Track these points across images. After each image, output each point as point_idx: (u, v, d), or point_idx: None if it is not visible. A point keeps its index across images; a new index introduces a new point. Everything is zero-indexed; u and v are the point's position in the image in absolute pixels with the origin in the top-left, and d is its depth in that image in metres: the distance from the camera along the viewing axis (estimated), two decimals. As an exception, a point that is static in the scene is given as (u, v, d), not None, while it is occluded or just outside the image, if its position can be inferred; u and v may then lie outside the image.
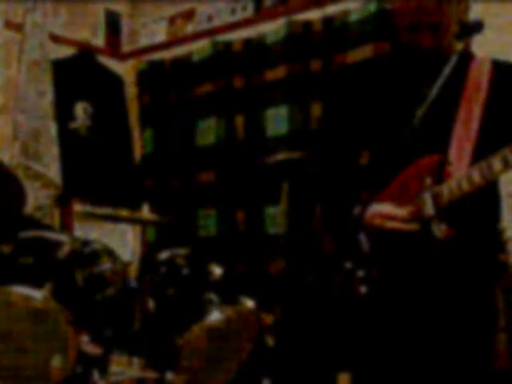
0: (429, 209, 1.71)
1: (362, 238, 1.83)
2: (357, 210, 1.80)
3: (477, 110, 1.76)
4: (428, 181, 1.73)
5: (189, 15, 4.14)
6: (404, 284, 1.78)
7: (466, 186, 1.64)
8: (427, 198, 1.72)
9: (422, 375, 1.78)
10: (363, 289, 1.79)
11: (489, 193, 1.72)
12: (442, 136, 1.78)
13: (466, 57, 1.81)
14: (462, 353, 1.76)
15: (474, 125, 1.75)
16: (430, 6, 1.74)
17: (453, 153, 1.75)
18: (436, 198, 1.70)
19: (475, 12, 1.87)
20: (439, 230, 1.70)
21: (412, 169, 1.77)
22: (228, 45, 3.85)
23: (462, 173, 1.68)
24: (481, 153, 1.70)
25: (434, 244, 1.70)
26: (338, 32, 3.43)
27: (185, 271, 2.48)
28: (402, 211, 1.75)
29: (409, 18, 1.77)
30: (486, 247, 1.82)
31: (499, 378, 1.96)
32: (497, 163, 1.58)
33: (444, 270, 1.75)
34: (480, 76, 1.79)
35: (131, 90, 4.32)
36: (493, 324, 1.85)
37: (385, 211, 1.77)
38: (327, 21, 3.47)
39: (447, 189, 1.69)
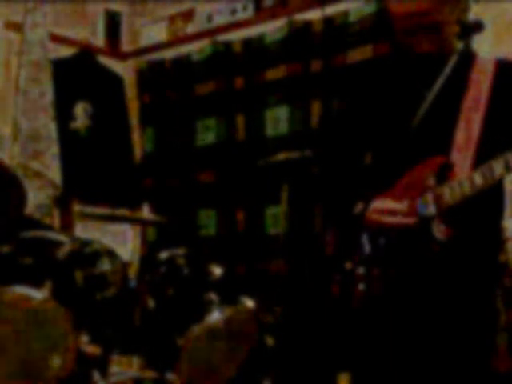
0: (430, 209, 1.71)
1: (364, 237, 1.83)
2: (358, 208, 1.80)
3: (479, 111, 1.76)
4: (431, 181, 1.73)
5: (189, 15, 4.14)
6: (404, 284, 1.78)
7: (467, 189, 1.65)
8: (429, 199, 1.72)
9: (422, 375, 1.78)
10: (362, 286, 1.79)
11: (493, 192, 1.72)
12: (444, 136, 1.78)
13: (468, 56, 1.81)
14: (461, 353, 1.76)
15: (477, 125, 1.75)
16: (428, 8, 1.73)
17: (455, 153, 1.75)
18: (438, 198, 1.70)
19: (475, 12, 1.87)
20: (439, 230, 1.70)
21: (416, 170, 1.77)
22: (228, 45, 3.85)
23: (464, 175, 1.69)
24: (483, 154, 1.70)
25: (433, 244, 1.70)
26: (338, 32, 3.43)
27: (185, 271, 2.48)
28: (400, 205, 1.76)
29: (406, 21, 1.77)
30: (486, 247, 1.82)
31: (499, 378, 1.96)
32: (498, 167, 1.60)
33: (444, 270, 1.75)
34: (483, 76, 1.79)
35: (131, 90, 4.32)
36: (493, 324, 1.85)
37: (384, 206, 1.77)
38: (327, 21, 3.47)
39: (449, 190, 1.69)
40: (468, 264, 1.77)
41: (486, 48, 1.95)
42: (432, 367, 1.76)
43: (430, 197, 1.72)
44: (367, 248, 1.82)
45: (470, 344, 1.76)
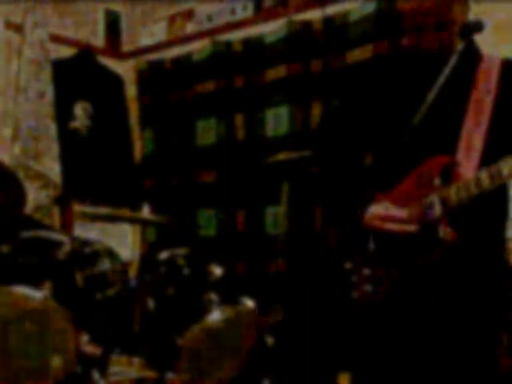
0: (436, 210, 1.70)
1: (369, 237, 1.82)
2: (358, 211, 1.80)
3: (486, 111, 1.75)
4: (437, 182, 1.72)
5: (189, 15, 4.14)
6: (407, 284, 1.77)
7: (474, 189, 1.64)
8: (435, 200, 1.71)
9: (424, 376, 1.78)
10: (368, 287, 1.79)
11: (498, 193, 1.71)
12: (449, 135, 1.77)
13: (473, 56, 1.81)
14: (465, 352, 1.76)
15: (483, 125, 1.74)
16: (436, 6, 1.73)
17: (460, 153, 1.74)
18: (444, 199, 1.70)
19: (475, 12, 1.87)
20: (445, 232, 1.69)
21: (421, 169, 1.76)
22: (228, 45, 3.85)
23: (470, 175, 1.68)
24: (490, 154, 1.70)
25: (439, 246, 1.70)
26: (338, 32, 3.42)
27: (185, 271, 2.48)
28: (401, 212, 1.75)
29: (415, 19, 1.76)
30: (489, 247, 1.82)
31: (500, 377, 1.96)
32: (506, 168, 1.58)
33: (448, 270, 1.74)
34: (489, 75, 1.78)
35: (131, 90, 4.32)
36: (496, 324, 1.85)
37: (384, 212, 1.77)
38: (327, 21, 3.47)
39: (455, 191, 1.68)
40: (472, 263, 1.77)
41: (487, 48, 1.94)
42: (434, 367, 1.76)
43: (435, 198, 1.71)
44: (372, 248, 1.81)
45: (474, 343, 1.76)
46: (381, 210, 1.77)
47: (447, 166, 1.73)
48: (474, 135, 1.74)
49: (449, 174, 1.72)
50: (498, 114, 1.75)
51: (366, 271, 1.80)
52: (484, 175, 1.62)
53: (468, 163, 1.72)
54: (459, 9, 1.77)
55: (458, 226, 1.69)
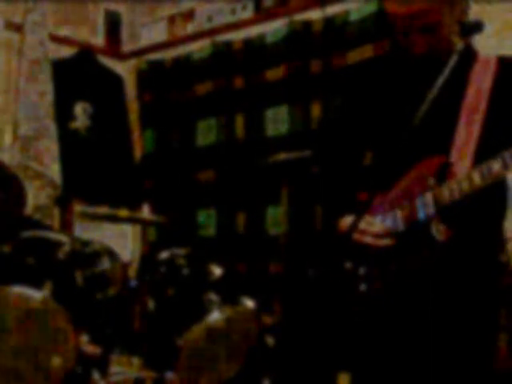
0: (430, 209, 1.71)
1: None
2: (348, 220, 1.80)
3: (480, 109, 1.75)
4: (431, 181, 1.73)
5: (189, 15, 4.14)
6: (404, 284, 1.78)
7: (466, 188, 1.65)
8: (429, 198, 1.72)
9: (423, 376, 1.78)
10: (363, 286, 1.79)
11: (495, 191, 1.71)
12: (444, 135, 1.78)
13: (469, 55, 1.81)
14: (462, 353, 1.76)
15: (477, 124, 1.74)
16: (424, 9, 1.73)
17: (455, 153, 1.75)
18: (437, 198, 1.70)
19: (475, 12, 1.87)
20: (439, 231, 1.70)
21: (415, 170, 1.77)
22: (228, 45, 3.85)
23: (463, 174, 1.68)
24: (483, 153, 1.70)
25: (433, 245, 1.70)
26: (338, 32, 3.43)
27: (185, 271, 2.48)
28: (376, 228, 1.77)
29: (403, 22, 1.76)
30: (486, 247, 1.82)
31: (500, 378, 1.96)
32: (496, 165, 1.59)
33: (444, 270, 1.75)
34: (484, 74, 1.79)
35: (131, 90, 4.32)
36: (494, 324, 1.85)
37: (363, 226, 1.78)
38: (327, 21, 3.47)
39: (448, 190, 1.69)
40: (468, 263, 1.77)
41: (488, 48, 1.94)
42: (433, 367, 1.76)
43: (429, 197, 1.72)
44: (369, 250, 1.82)
45: (472, 344, 1.76)
46: (361, 224, 1.77)
47: (441, 165, 1.73)
48: (468, 134, 1.75)
49: (444, 174, 1.73)
50: (493, 112, 1.75)
51: (362, 270, 1.81)
52: (475, 173, 1.63)
53: (462, 162, 1.73)
54: (451, 9, 1.76)
55: (452, 225, 1.70)
